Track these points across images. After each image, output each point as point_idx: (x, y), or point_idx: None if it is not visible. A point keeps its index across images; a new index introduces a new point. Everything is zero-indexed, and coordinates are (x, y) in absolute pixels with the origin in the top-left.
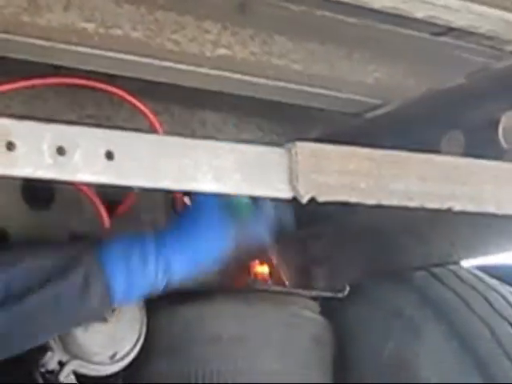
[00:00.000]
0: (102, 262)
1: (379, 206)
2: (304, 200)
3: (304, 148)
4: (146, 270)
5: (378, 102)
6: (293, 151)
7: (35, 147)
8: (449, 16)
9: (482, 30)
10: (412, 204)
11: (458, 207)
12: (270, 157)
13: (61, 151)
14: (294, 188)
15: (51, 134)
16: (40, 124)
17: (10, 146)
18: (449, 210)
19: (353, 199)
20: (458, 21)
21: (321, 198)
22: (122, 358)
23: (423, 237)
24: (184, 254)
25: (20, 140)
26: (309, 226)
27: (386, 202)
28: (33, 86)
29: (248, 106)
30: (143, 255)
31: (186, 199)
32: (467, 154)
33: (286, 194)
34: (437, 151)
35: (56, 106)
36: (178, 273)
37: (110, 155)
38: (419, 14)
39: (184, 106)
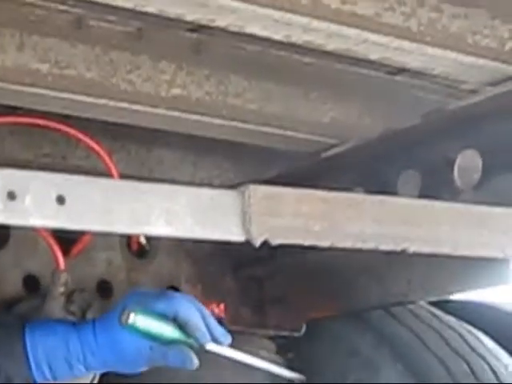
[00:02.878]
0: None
1: (333, 249)
2: (257, 243)
3: (257, 191)
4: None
5: (334, 141)
6: (246, 194)
7: None
8: (402, 58)
9: (436, 72)
10: (366, 246)
11: (413, 248)
12: (223, 199)
13: (11, 195)
14: (247, 231)
15: (1, 178)
16: None
17: None
18: (403, 252)
19: (307, 242)
20: (412, 62)
21: (274, 241)
22: None
23: (380, 276)
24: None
25: None
26: (265, 264)
27: (340, 244)
28: None
29: (205, 145)
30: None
31: (142, 239)
32: (423, 193)
33: (238, 237)
34: (393, 191)
35: (12, 146)
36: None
37: (61, 199)
38: (373, 56)
39: (141, 144)
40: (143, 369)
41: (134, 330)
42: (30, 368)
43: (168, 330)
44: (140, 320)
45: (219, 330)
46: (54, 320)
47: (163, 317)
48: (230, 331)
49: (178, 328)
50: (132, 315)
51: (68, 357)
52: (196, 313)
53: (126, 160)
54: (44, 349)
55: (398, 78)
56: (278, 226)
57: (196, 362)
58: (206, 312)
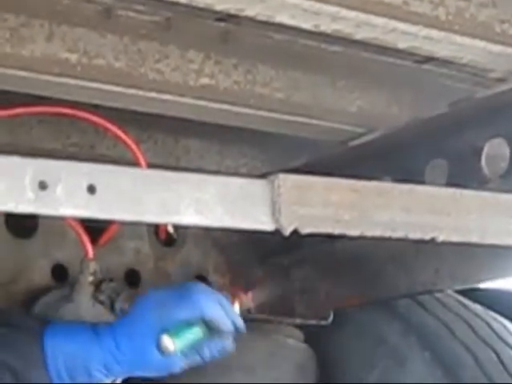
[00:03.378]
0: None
1: (363, 238)
2: (287, 232)
3: (287, 180)
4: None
5: (361, 130)
6: (275, 183)
7: (17, 182)
8: (431, 47)
9: (464, 61)
10: (395, 235)
11: (441, 237)
12: (253, 189)
13: (43, 185)
14: (276, 220)
15: (33, 168)
16: (21, 158)
17: None
18: (432, 241)
19: (336, 231)
20: (441, 51)
21: (304, 230)
22: None
23: (407, 265)
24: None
25: (1, 175)
26: (292, 253)
27: (369, 233)
28: (16, 115)
29: (231, 134)
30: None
31: (170, 227)
32: (451, 182)
33: (268, 226)
34: (420, 179)
35: (40, 135)
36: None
37: (92, 189)
38: (401, 45)
39: (167, 133)
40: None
41: (173, 352)
42: (49, 375)
43: (199, 333)
44: (177, 342)
45: (239, 319)
46: (74, 324)
47: (191, 322)
48: (257, 320)
49: (204, 325)
50: (170, 342)
51: (88, 365)
52: (219, 308)
53: (153, 149)
54: (64, 357)
55: (425, 66)
56: (307, 215)
57: (230, 346)
58: (226, 302)
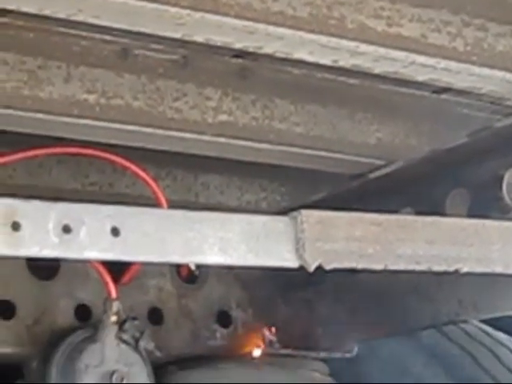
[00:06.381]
0: None
1: (386, 271)
2: (311, 269)
3: (309, 216)
4: None
5: (381, 162)
6: (298, 219)
7: (40, 226)
8: (449, 78)
9: (483, 91)
10: (419, 268)
11: (465, 269)
12: (276, 226)
13: (66, 229)
14: (300, 257)
15: (56, 212)
16: (45, 203)
17: (16, 226)
18: (456, 272)
19: (360, 265)
20: (459, 82)
21: (328, 266)
22: None
23: (430, 296)
24: None
25: (25, 220)
26: (314, 286)
27: (393, 266)
28: (35, 156)
29: (251, 169)
30: None
31: (192, 265)
32: (472, 211)
33: (292, 263)
34: (442, 210)
35: (59, 175)
36: None
37: (115, 231)
38: (420, 78)
39: (186, 170)
40: None
41: None
42: None
43: None
44: None
45: None
46: None
47: None
48: (282, 355)
49: None
50: None
51: None
52: None
53: (172, 186)
54: None
55: (443, 96)
56: (331, 251)
57: None
58: None
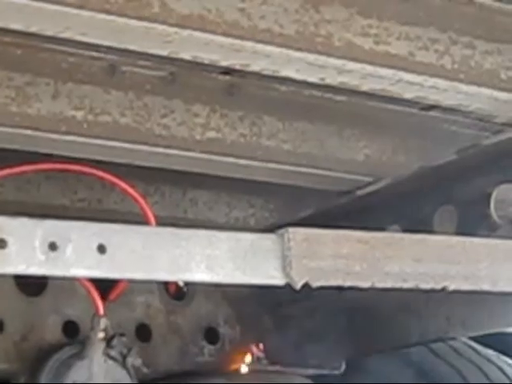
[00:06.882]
0: None
1: (374, 289)
2: (298, 286)
3: (296, 233)
4: None
5: (368, 179)
6: (285, 237)
7: (27, 244)
8: (437, 96)
9: (470, 108)
10: (407, 285)
11: (452, 286)
12: (263, 243)
13: (53, 246)
14: (287, 274)
15: (43, 229)
16: (31, 220)
17: (2, 244)
18: (444, 290)
19: (347, 283)
20: (447, 100)
21: (315, 284)
22: None
23: (418, 313)
24: None
25: (12, 237)
26: (302, 303)
27: (380, 284)
28: (23, 173)
29: (239, 185)
30: None
31: (180, 282)
32: (460, 229)
33: (279, 280)
34: (429, 227)
35: (48, 192)
36: None
37: (102, 249)
38: (408, 95)
39: (175, 186)
40: None
41: None
42: None
43: None
44: None
45: None
46: None
47: None
48: (270, 371)
49: None
50: None
51: None
52: None
53: (160, 202)
54: None
55: (431, 113)
56: (318, 268)
57: None
58: None
